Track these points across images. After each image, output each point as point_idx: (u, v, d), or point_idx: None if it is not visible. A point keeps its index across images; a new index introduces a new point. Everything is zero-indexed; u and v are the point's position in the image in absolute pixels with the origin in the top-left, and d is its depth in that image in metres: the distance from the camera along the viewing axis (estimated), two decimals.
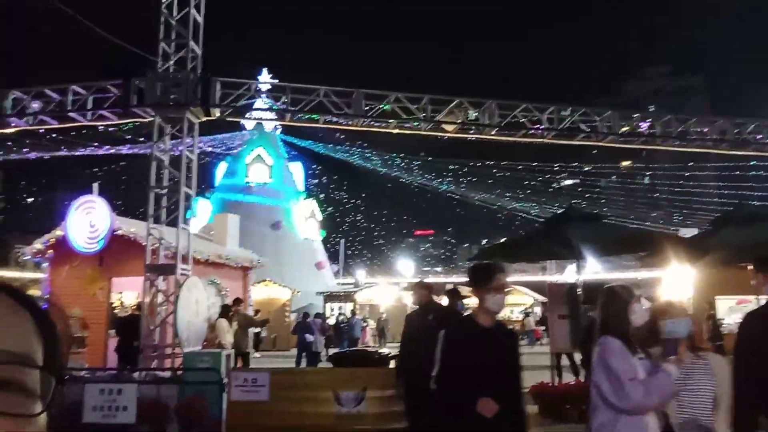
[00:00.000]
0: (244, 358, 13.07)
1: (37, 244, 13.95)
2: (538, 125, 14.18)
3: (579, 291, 9.17)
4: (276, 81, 14.25)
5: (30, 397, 0.58)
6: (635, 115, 15.89)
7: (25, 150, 29.04)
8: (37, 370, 0.60)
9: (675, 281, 12.61)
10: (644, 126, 15.42)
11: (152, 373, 10.18)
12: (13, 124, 13.69)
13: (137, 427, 8.60)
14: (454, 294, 9.66)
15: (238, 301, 13.63)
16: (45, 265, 14.27)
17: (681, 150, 16.62)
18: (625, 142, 15.32)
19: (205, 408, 8.72)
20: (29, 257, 15.01)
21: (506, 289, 3.62)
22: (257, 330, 23.71)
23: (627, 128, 15.33)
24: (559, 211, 13.00)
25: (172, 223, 12.20)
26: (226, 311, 12.68)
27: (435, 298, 7.79)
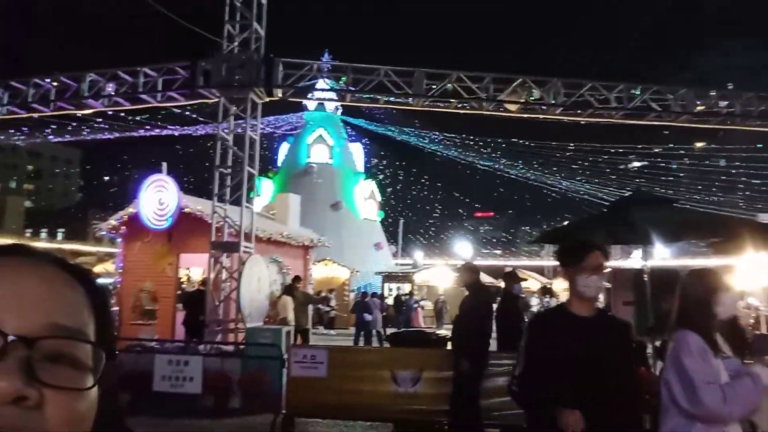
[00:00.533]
0: (303, 334, 13.39)
1: (112, 221, 14.66)
2: (606, 104, 13.60)
3: (646, 277, 8.82)
4: (337, 62, 14.23)
5: (82, 371, 0.58)
6: (712, 93, 14.99)
7: (102, 130, 30.48)
8: (89, 344, 0.60)
9: (751, 270, 11.92)
10: (722, 104, 14.51)
11: (216, 347, 10.57)
12: (90, 106, 14.39)
13: (202, 397, 8.98)
14: (512, 277, 9.50)
15: (297, 279, 13.95)
16: (119, 240, 14.98)
17: (762, 130, 15.57)
18: (701, 122, 14.47)
19: (267, 382, 9.00)
20: (105, 233, 15.82)
21: (604, 271, 2.89)
22: (327, 309, 24.29)
23: (703, 107, 14.48)
24: (625, 194, 12.50)
25: (236, 201, 12.53)
26: (290, 289, 13.05)
27: (493, 281, 7.72)
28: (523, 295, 22.32)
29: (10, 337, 0.54)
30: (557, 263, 3.03)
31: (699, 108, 14.31)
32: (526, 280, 9.59)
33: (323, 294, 25.19)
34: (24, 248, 0.65)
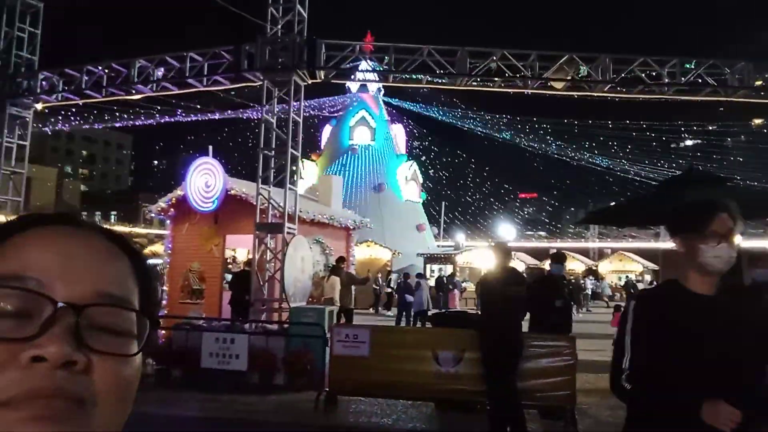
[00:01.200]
0: (347, 314, 13.56)
1: (161, 203, 15.06)
2: (658, 80, 13.07)
3: None
4: (379, 43, 14.11)
5: (127, 338, 0.60)
6: None
7: (152, 115, 31.33)
8: (134, 312, 0.62)
9: None
10: None
11: (261, 326, 10.81)
12: (139, 91, 14.76)
13: (248, 374, 9.23)
14: (558, 258, 9.34)
15: (341, 260, 14.09)
16: (168, 222, 15.40)
17: None
18: (759, 97, 13.73)
19: (311, 360, 9.18)
20: (154, 215, 16.26)
21: (735, 238, 2.31)
22: (386, 289, 24.47)
23: (761, 81, 13.74)
24: (677, 173, 12.05)
25: (280, 184, 12.68)
26: (337, 270, 13.25)
27: (537, 263, 7.62)
28: (571, 277, 21.94)
29: (60, 304, 0.55)
30: (670, 229, 2.47)
31: (758, 83, 13.60)
32: (564, 260, 9.25)
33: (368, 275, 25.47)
34: (71, 217, 0.66)
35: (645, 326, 2.34)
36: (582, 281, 27.48)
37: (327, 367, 8.44)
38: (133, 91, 14.82)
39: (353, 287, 14.26)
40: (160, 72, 14.20)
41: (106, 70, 14.49)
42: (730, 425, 2.02)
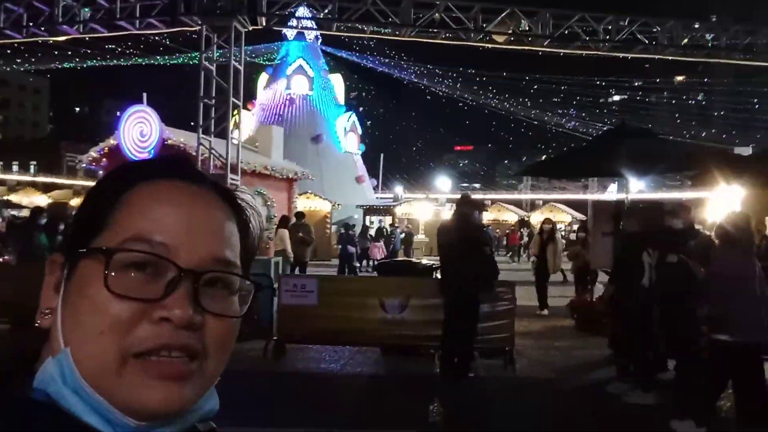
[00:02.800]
0: (302, 267, 13.56)
1: (92, 153, 14.43)
2: (594, 36, 13.49)
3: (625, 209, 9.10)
4: None
5: (234, 300, 0.65)
6: (697, 26, 14.90)
7: (75, 58, 29.32)
8: (242, 277, 0.66)
9: (724, 202, 12.31)
10: (708, 37, 14.47)
11: None
12: (64, 32, 13.79)
13: None
14: (468, 203, 9.38)
15: (300, 216, 13.87)
16: (100, 173, 14.79)
17: (746, 63, 15.63)
18: (686, 55, 14.45)
19: (258, 310, 9.24)
20: (85, 165, 15.56)
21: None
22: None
23: (686, 40, 14.43)
24: (609, 127, 12.62)
25: (220, 134, 12.38)
26: (285, 222, 13.08)
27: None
28: (488, 226, 22.34)
29: (183, 270, 0.60)
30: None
31: (685, 41, 14.28)
32: (486, 207, 9.44)
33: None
34: (185, 170, 0.68)
35: None
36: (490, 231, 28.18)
37: (275, 317, 8.54)
38: (58, 32, 13.85)
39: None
40: (87, 12, 13.31)
41: (27, 9, 13.43)
42: None
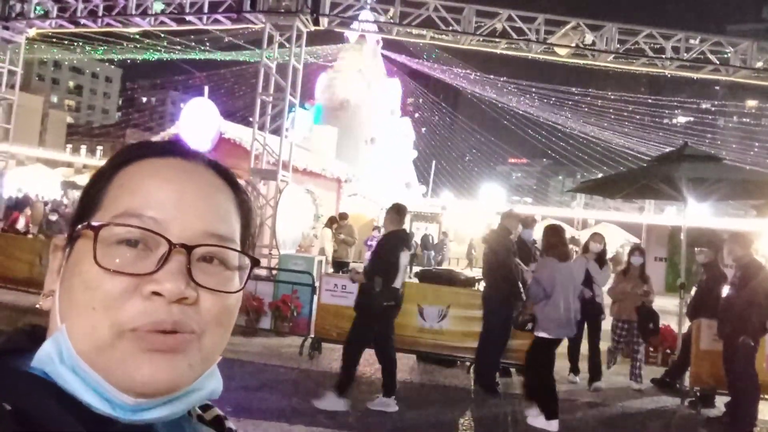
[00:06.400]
0: (342, 267, 13.63)
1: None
2: (661, 54, 13.02)
3: (682, 235, 8.71)
4: None
5: (230, 274, 0.64)
6: None
7: (146, 50, 30.47)
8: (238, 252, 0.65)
9: None
10: None
11: None
12: (136, 24, 14.37)
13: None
14: (528, 223, 9.22)
15: (343, 216, 14.06)
16: None
17: None
18: (760, 79, 13.75)
19: (297, 306, 9.33)
20: None
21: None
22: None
23: (761, 63, 13.74)
24: (669, 149, 12.13)
25: (275, 131, 12.59)
26: (331, 222, 13.24)
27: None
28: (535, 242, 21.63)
29: (175, 244, 0.59)
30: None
31: (758, 64, 13.60)
32: (534, 223, 8.81)
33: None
34: (180, 148, 0.68)
35: None
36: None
37: (313, 315, 8.60)
38: (130, 24, 14.44)
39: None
40: (158, 5, 13.83)
41: (103, 0, 14.07)
42: None
